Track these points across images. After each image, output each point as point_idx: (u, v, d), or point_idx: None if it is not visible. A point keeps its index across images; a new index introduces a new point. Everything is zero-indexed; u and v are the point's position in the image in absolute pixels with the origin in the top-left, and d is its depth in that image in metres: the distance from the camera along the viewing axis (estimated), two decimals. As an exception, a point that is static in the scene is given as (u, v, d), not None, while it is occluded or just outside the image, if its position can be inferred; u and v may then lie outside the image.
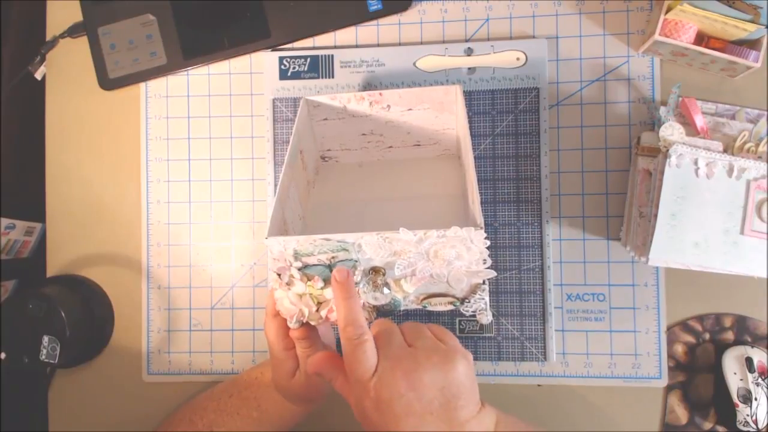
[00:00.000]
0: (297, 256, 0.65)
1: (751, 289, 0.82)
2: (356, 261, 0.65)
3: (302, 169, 0.82)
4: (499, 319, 0.86)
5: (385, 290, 0.66)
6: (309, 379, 0.74)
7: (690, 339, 0.83)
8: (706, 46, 0.79)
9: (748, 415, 0.77)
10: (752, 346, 0.81)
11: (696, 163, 0.71)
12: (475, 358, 0.86)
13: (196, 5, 0.90)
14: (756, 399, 0.78)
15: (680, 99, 0.79)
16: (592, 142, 0.86)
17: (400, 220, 0.64)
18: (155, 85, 0.92)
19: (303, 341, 0.71)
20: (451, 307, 0.68)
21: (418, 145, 0.87)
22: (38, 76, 0.93)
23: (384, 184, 0.86)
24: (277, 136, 0.90)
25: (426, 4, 0.89)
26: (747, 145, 0.75)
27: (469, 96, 0.87)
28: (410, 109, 0.82)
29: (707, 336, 0.83)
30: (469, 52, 0.87)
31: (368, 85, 0.89)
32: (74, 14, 0.92)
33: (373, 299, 0.66)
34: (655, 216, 0.72)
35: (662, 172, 0.72)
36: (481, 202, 0.77)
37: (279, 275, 0.67)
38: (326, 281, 0.66)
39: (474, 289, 0.66)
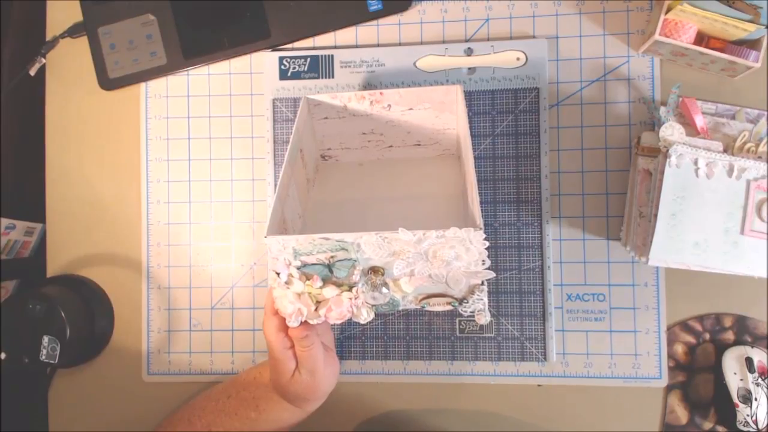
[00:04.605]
0: (296, 254, 0.65)
1: (751, 289, 0.82)
2: (355, 260, 0.65)
3: (302, 168, 0.82)
4: (499, 319, 0.86)
5: (384, 290, 0.66)
6: (307, 378, 0.74)
7: (690, 339, 0.83)
8: (706, 46, 0.79)
9: (748, 415, 0.77)
10: (752, 346, 0.81)
11: (696, 163, 0.71)
12: (475, 358, 0.86)
13: (196, 5, 0.90)
14: (756, 399, 0.78)
15: (680, 99, 0.79)
16: (592, 142, 0.86)
17: (400, 220, 0.64)
18: (155, 85, 0.92)
19: (302, 340, 0.71)
20: (449, 308, 0.68)
21: (419, 144, 0.87)
22: (32, 71, 0.92)
23: (384, 183, 0.86)
24: (277, 136, 0.90)
25: (426, 4, 0.89)
26: (747, 145, 0.75)
27: (469, 96, 0.87)
28: (411, 109, 0.82)
29: (707, 336, 0.83)
30: (469, 52, 0.87)
31: (368, 85, 0.89)
32: (74, 14, 0.92)
33: (371, 299, 0.66)
34: (655, 216, 0.72)
35: (662, 172, 0.72)
36: (481, 202, 0.77)
37: (278, 274, 0.67)
38: (325, 280, 0.66)
39: (473, 290, 0.66)
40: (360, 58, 0.89)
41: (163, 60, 0.91)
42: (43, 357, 0.82)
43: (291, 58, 0.90)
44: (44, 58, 0.93)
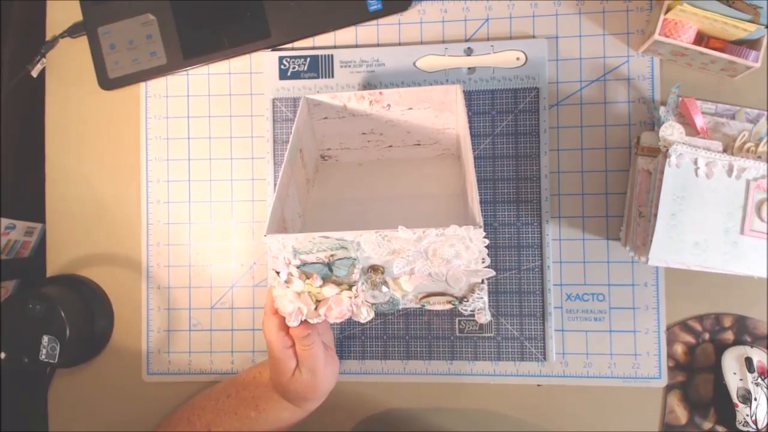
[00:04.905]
0: (296, 253, 0.65)
1: (751, 289, 0.82)
2: (355, 259, 0.65)
3: (302, 168, 0.82)
4: (499, 318, 0.86)
5: (384, 289, 0.66)
6: (307, 377, 0.74)
7: (690, 339, 0.83)
8: (706, 46, 0.79)
9: (747, 415, 0.77)
10: (752, 346, 0.81)
11: (696, 162, 0.71)
12: (475, 358, 0.86)
13: (196, 5, 0.90)
14: (756, 399, 0.78)
15: (680, 99, 0.79)
16: (592, 142, 0.86)
17: (400, 220, 0.64)
18: (155, 85, 0.93)
19: (303, 339, 0.71)
20: (449, 306, 0.68)
21: (418, 144, 0.87)
22: (34, 73, 0.92)
23: (384, 183, 0.86)
24: (276, 136, 0.90)
25: (426, 4, 0.89)
26: (747, 145, 0.75)
27: (469, 96, 0.87)
28: (410, 109, 0.82)
29: (707, 336, 0.83)
30: (469, 52, 0.87)
31: (368, 85, 0.89)
32: (74, 14, 0.92)
33: (371, 298, 0.66)
34: (655, 216, 0.72)
35: (662, 172, 0.72)
36: (481, 202, 0.77)
37: (278, 273, 0.67)
38: (325, 279, 0.66)
39: (473, 289, 0.66)
40: (360, 58, 0.89)
41: (163, 60, 0.91)
42: (43, 357, 0.82)
43: (291, 57, 0.90)
44: (45, 58, 0.93)
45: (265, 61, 0.91)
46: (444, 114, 0.83)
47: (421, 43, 0.89)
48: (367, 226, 0.67)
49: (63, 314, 0.83)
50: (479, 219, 0.62)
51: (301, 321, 0.68)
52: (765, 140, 0.75)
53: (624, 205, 0.84)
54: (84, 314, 0.88)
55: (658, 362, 0.84)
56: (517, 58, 0.87)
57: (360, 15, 0.89)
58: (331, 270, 0.66)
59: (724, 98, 0.83)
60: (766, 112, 0.81)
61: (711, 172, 0.71)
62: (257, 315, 0.90)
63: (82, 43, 0.92)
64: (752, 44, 0.78)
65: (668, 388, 0.84)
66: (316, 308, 0.67)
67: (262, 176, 0.91)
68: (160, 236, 0.92)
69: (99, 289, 0.92)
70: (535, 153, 0.86)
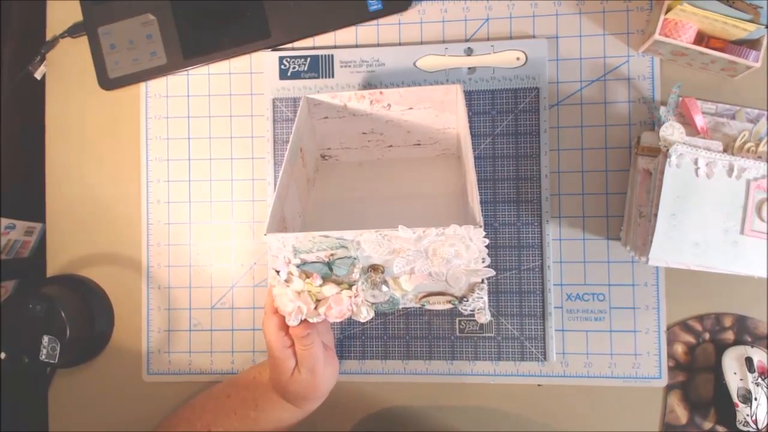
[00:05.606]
0: (296, 252, 0.65)
1: (751, 289, 0.82)
2: (355, 259, 0.65)
3: (302, 167, 0.82)
4: (499, 318, 0.86)
5: (384, 288, 0.66)
6: (307, 377, 0.74)
7: (690, 339, 0.83)
8: (706, 46, 0.79)
9: (748, 415, 0.77)
10: (752, 346, 0.81)
11: (696, 162, 0.71)
12: (475, 358, 0.86)
13: (196, 5, 0.90)
14: (756, 399, 0.77)
15: (680, 99, 0.79)
16: (592, 142, 0.86)
17: (400, 219, 0.64)
18: (155, 85, 0.92)
19: (302, 339, 0.71)
20: (449, 306, 0.68)
21: (419, 144, 0.87)
22: (38, 75, 0.93)
23: (384, 183, 0.86)
24: (277, 135, 0.90)
25: (426, 4, 0.89)
26: (747, 145, 0.75)
27: (469, 96, 0.87)
28: (411, 109, 0.82)
29: (707, 336, 0.83)
30: (469, 52, 0.87)
31: (368, 85, 0.89)
32: (74, 14, 0.92)
33: (371, 297, 0.66)
34: (655, 216, 0.72)
35: (662, 172, 0.72)
36: (481, 202, 0.77)
37: (278, 272, 0.67)
38: (325, 278, 0.66)
39: (472, 288, 0.66)
40: (360, 58, 0.89)
41: (163, 60, 0.91)
42: (43, 357, 0.82)
43: (291, 57, 0.90)
44: (44, 58, 0.93)
45: (265, 61, 0.91)
46: (444, 114, 0.83)
47: (421, 43, 0.89)
48: (367, 225, 0.66)
49: (63, 314, 0.83)
50: (479, 219, 0.62)
51: (301, 320, 0.68)
52: (765, 140, 0.74)
53: (624, 205, 0.84)
54: (84, 314, 0.88)
55: (659, 362, 0.84)
56: (517, 58, 0.87)
57: (360, 15, 0.89)
58: (331, 269, 0.66)
59: (724, 98, 0.83)
60: (766, 112, 0.81)
61: (711, 172, 0.71)
62: (257, 315, 0.90)
63: (82, 43, 0.92)
64: (752, 44, 0.78)
65: (668, 388, 0.84)
66: (315, 307, 0.67)
67: (262, 176, 0.91)
68: (160, 236, 0.92)
69: (99, 289, 0.92)
70: (535, 153, 0.86)
